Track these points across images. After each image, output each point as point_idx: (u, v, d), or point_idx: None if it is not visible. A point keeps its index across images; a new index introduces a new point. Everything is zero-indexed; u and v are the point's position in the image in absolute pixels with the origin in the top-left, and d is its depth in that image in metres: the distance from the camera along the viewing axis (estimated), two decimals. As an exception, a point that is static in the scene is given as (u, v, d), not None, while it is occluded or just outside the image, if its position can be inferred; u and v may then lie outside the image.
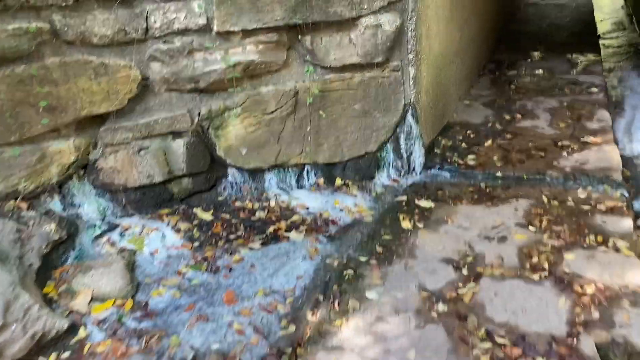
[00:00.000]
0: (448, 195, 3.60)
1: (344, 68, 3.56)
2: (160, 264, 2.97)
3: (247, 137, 3.48)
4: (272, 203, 3.52)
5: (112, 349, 2.37)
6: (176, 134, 3.32)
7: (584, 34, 8.18)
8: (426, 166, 3.96)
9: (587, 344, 2.26)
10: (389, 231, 3.20)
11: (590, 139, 4.31)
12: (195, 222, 3.29)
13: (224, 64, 3.26)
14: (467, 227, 3.21)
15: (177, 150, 3.33)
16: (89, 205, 3.19)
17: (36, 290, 2.59)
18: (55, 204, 3.11)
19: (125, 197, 3.27)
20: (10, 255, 2.62)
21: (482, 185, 3.70)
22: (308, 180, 3.72)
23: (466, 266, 2.83)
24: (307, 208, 3.49)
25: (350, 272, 2.82)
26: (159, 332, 2.47)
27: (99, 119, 3.17)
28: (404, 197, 3.59)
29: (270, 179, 3.64)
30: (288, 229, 3.26)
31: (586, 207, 3.32)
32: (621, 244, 2.92)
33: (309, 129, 3.61)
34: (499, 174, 3.85)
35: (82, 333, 2.46)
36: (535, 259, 2.84)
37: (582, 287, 2.60)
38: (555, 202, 3.40)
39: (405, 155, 3.88)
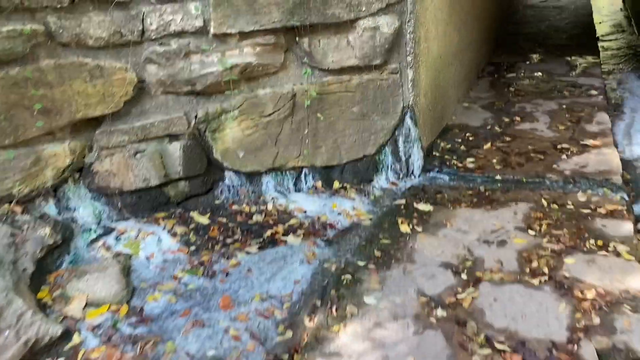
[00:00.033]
0: (447, 199, 3.57)
1: (342, 70, 3.54)
2: (156, 269, 2.93)
3: (245, 140, 3.46)
4: (270, 206, 3.50)
5: (106, 355, 2.33)
6: (173, 137, 3.29)
7: (583, 36, 8.17)
8: (425, 169, 3.94)
9: (588, 350, 2.23)
10: (388, 235, 3.17)
11: (589, 141, 4.29)
12: (192, 225, 3.25)
13: (220, 67, 3.24)
14: (466, 230, 3.19)
15: (174, 154, 3.30)
16: (85, 209, 3.16)
17: (30, 296, 2.56)
18: (50, 207, 3.07)
19: (121, 201, 3.23)
20: (4, 259, 2.59)
21: (482, 188, 3.68)
22: (306, 183, 3.69)
23: (465, 271, 2.81)
24: (305, 211, 3.46)
25: (348, 276, 2.79)
26: (154, 338, 2.44)
27: (95, 122, 3.14)
28: (403, 201, 3.56)
29: (268, 182, 3.61)
30: (285, 233, 3.23)
31: (586, 211, 3.30)
32: (622, 248, 2.89)
33: (306, 131, 3.58)
34: (498, 177, 3.83)
35: (76, 339, 2.42)
36: (535, 264, 2.81)
37: (582, 292, 2.57)
38: (555, 206, 3.38)
39: (403, 158, 3.85)
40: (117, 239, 3.08)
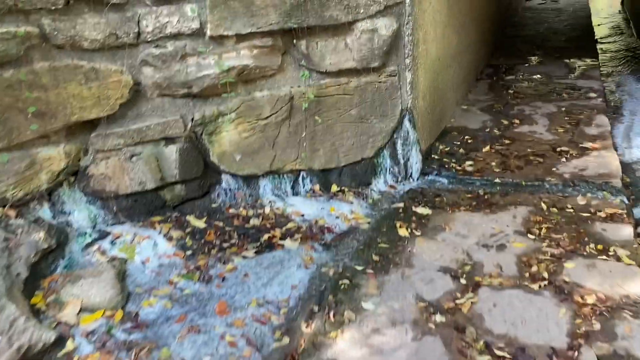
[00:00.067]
0: (446, 202, 3.55)
1: (339, 73, 3.51)
2: (152, 273, 2.90)
3: (242, 142, 3.43)
4: (267, 210, 3.46)
5: (100, 362, 2.31)
6: (169, 140, 3.26)
7: (582, 39, 8.17)
8: (423, 172, 3.92)
9: (589, 356, 2.20)
10: (386, 239, 3.15)
11: (589, 144, 4.27)
12: (188, 229, 3.22)
13: (217, 69, 3.21)
14: (465, 234, 3.16)
15: (170, 157, 3.27)
16: (80, 213, 3.12)
17: (23, 301, 2.52)
18: (44, 211, 3.04)
19: (116, 205, 3.20)
20: (-3, 264, 2.56)
21: (480, 191, 3.65)
22: (303, 186, 3.66)
23: (464, 275, 2.78)
24: (303, 215, 3.43)
25: (346, 281, 2.76)
26: (149, 344, 2.40)
27: (90, 125, 3.11)
28: (401, 204, 3.53)
29: (265, 186, 3.58)
30: (283, 237, 3.20)
31: (586, 215, 3.27)
32: (622, 252, 2.87)
33: (304, 134, 3.55)
34: (497, 180, 3.80)
35: (70, 345, 2.38)
36: (534, 268, 2.79)
37: (582, 297, 2.54)
38: (555, 209, 3.36)
39: (402, 161, 3.83)
40: (113, 243, 3.05)
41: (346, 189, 3.69)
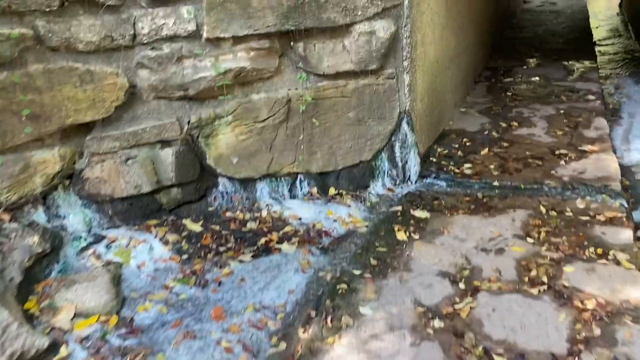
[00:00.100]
0: (444, 205, 3.52)
1: (337, 75, 3.49)
2: (147, 278, 2.87)
3: (238, 145, 3.40)
4: (264, 213, 3.44)
5: (94, 368, 2.27)
6: (165, 143, 3.23)
7: (580, 41, 8.16)
8: (422, 175, 3.89)
9: (589, 362, 2.18)
10: (384, 243, 3.12)
11: (588, 147, 4.25)
12: (184, 233, 3.19)
13: (214, 71, 3.18)
14: (464, 238, 3.13)
15: (166, 160, 3.24)
16: (75, 217, 3.09)
17: (17, 306, 2.49)
18: (39, 215, 3.00)
19: (112, 208, 3.17)
20: (-10, 269, 2.53)
21: (479, 194, 3.63)
22: (301, 189, 3.63)
23: (463, 280, 2.75)
24: (300, 219, 3.40)
25: (343, 286, 2.73)
26: (144, 350, 2.37)
27: (85, 128, 3.08)
28: (399, 207, 3.51)
29: (262, 189, 3.55)
30: (280, 241, 3.17)
31: (585, 218, 3.25)
32: (621, 256, 2.84)
33: (301, 137, 3.52)
34: (495, 183, 3.78)
35: (63, 352, 2.35)
36: (533, 272, 2.76)
37: (582, 302, 2.52)
38: (554, 213, 3.33)
39: (400, 164, 3.80)
40: (108, 247, 3.01)
41: (344, 192, 3.66)
